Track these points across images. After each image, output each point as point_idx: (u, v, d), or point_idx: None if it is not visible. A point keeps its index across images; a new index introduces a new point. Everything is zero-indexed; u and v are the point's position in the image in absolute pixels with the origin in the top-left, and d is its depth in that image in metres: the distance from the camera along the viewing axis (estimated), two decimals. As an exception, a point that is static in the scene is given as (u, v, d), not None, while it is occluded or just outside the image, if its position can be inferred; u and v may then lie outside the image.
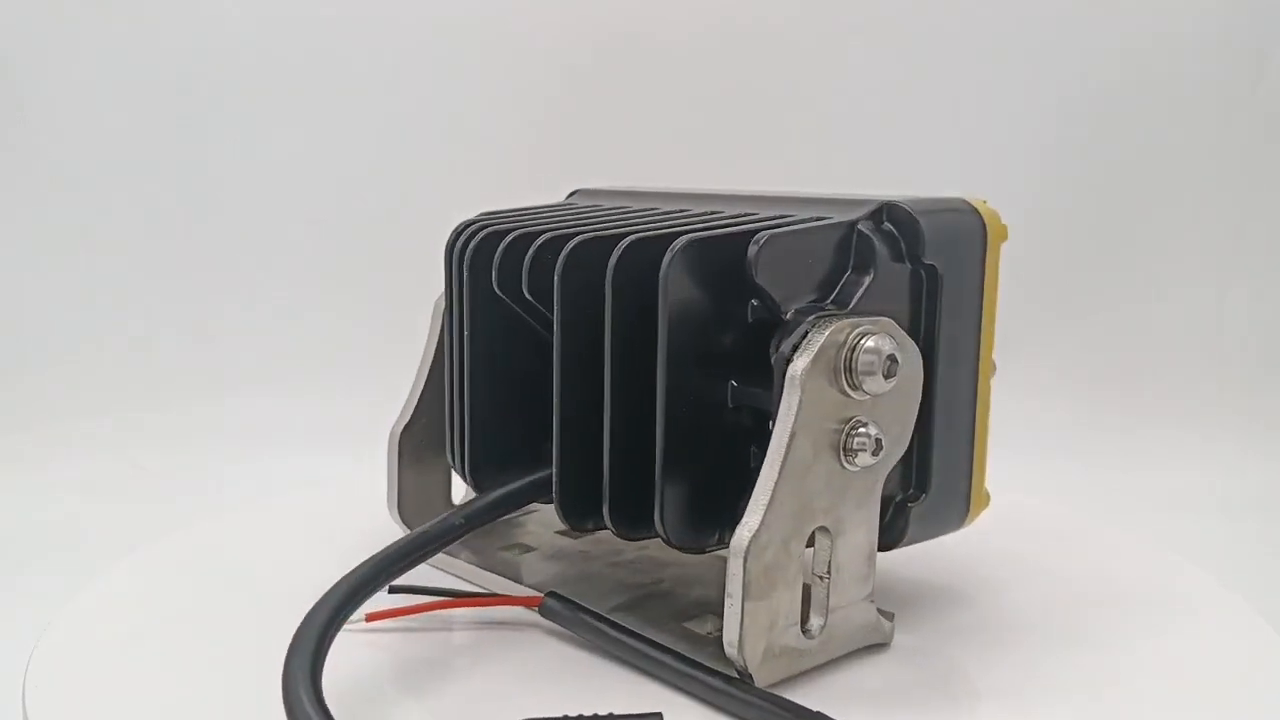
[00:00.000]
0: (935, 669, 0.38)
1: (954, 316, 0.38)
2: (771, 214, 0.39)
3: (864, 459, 0.35)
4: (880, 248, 0.37)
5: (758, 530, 0.34)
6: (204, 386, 0.90)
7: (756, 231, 0.35)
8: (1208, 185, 0.98)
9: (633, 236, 0.36)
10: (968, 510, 0.40)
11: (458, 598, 0.41)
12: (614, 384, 0.36)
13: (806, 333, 0.35)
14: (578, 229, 0.38)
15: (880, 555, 0.38)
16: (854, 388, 0.35)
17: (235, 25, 0.98)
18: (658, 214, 0.42)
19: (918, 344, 0.37)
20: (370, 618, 0.39)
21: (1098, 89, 0.99)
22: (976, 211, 0.39)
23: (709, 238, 0.35)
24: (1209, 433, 0.83)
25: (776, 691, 0.35)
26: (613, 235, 0.36)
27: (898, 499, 0.39)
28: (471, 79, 1.00)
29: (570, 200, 0.49)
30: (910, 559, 0.47)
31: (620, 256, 0.35)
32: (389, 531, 0.46)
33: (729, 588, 0.34)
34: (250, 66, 0.99)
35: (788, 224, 0.37)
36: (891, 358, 0.35)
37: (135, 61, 0.97)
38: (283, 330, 0.95)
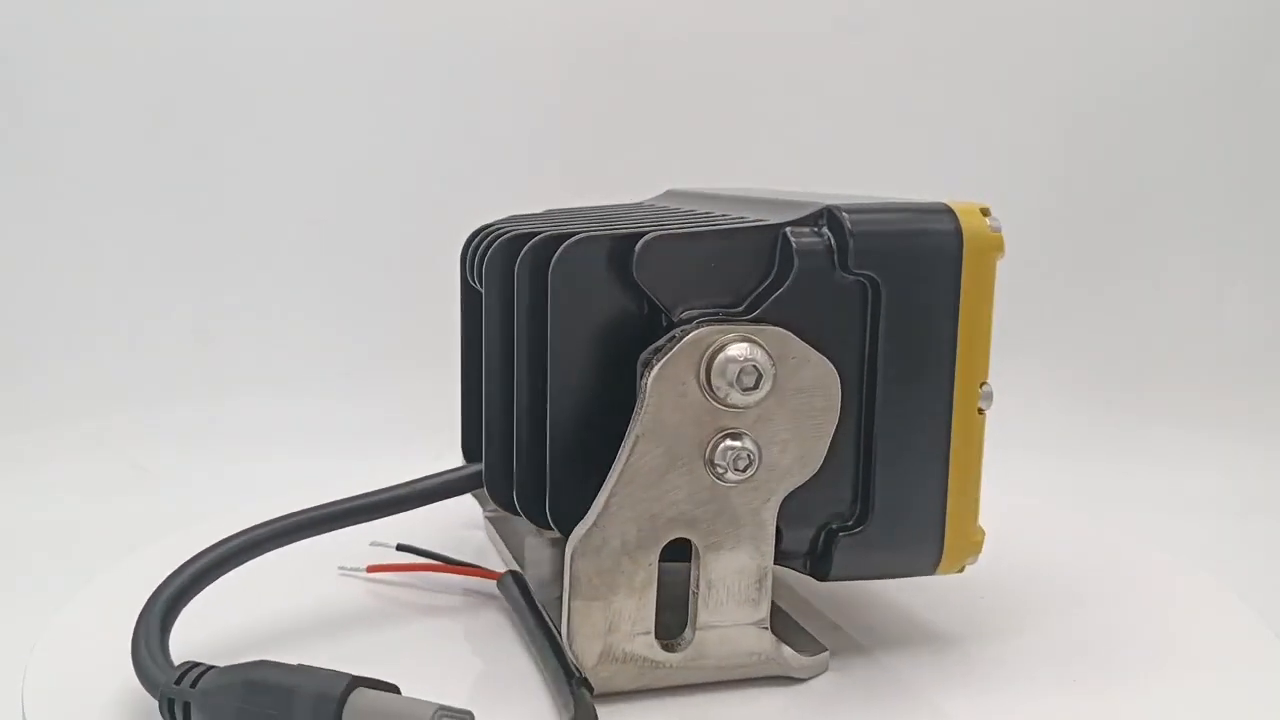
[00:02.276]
0: (891, 682, 0.38)
1: (905, 334, 0.36)
2: (737, 215, 0.38)
3: (734, 474, 0.34)
4: (803, 255, 0.35)
5: (588, 531, 0.34)
6: (204, 387, 0.90)
7: (645, 233, 0.34)
8: (1208, 185, 0.98)
9: (546, 234, 0.36)
10: (940, 553, 0.37)
11: (447, 564, 0.46)
12: (519, 379, 0.37)
13: (675, 336, 0.34)
14: (558, 229, 0.37)
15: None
16: (715, 397, 0.34)
17: (237, 25, 0.98)
18: (651, 213, 0.42)
19: (855, 361, 0.35)
20: (370, 569, 0.46)
21: (1098, 89, 0.99)
22: (952, 221, 0.36)
23: (600, 238, 0.35)
24: (1209, 433, 0.83)
25: (638, 701, 0.35)
26: (559, 235, 0.36)
27: (831, 527, 0.36)
28: (478, 79, 1.00)
29: (654, 200, 0.50)
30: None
31: (524, 255, 0.36)
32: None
33: (564, 583, 0.34)
34: (251, 66, 0.99)
35: (693, 225, 0.36)
36: (753, 369, 0.33)
37: (136, 61, 0.97)
38: (284, 331, 0.95)
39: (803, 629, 0.39)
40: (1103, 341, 0.96)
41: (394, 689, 0.31)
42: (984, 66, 1.00)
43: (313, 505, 0.42)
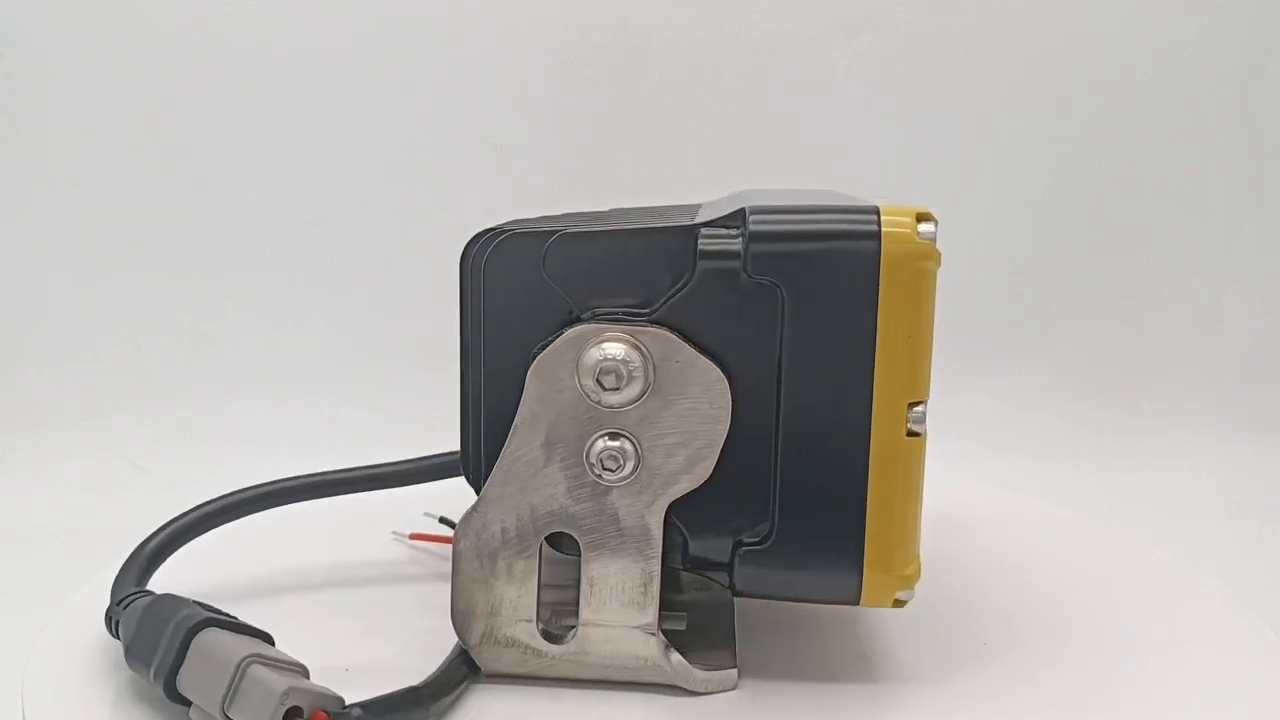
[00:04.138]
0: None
1: (813, 345, 0.33)
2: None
3: (609, 474, 0.34)
4: (706, 257, 0.33)
5: (470, 514, 0.35)
6: (205, 387, 0.90)
7: (555, 232, 0.34)
8: (1208, 185, 0.98)
9: (517, 231, 0.36)
10: (859, 583, 0.34)
11: None
12: (467, 369, 0.37)
13: (561, 332, 0.34)
14: (531, 228, 0.38)
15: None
16: (588, 395, 0.34)
17: (237, 27, 0.98)
18: (646, 214, 0.42)
19: (763, 370, 0.34)
20: (412, 536, 0.48)
21: (1098, 89, 0.99)
22: (869, 226, 0.33)
23: (529, 235, 0.35)
24: (1209, 433, 0.83)
25: (522, 687, 0.36)
26: (515, 233, 0.36)
27: (741, 540, 0.35)
28: (479, 79, 1.00)
29: (721, 198, 0.50)
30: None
31: (480, 249, 0.36)
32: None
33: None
34: (251, 66, 0.98)
35: (620, 224, 0.36)
36: (617, 368, 0.33)
37: (136, 61, 0.97)
38: (284, 331, 0.95)
39: (727, 645, 0.38)
40: (1103, 343, 0.96)
41: (267, 638, 0.34)
42: (984, 66, 1.00)
43: (337, 468, 0.45)
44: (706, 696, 0.35)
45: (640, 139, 1.00)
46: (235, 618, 0.34)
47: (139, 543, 0.40)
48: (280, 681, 0.30)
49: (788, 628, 0.40)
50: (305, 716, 0.30)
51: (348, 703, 0.31)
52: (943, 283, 0.36)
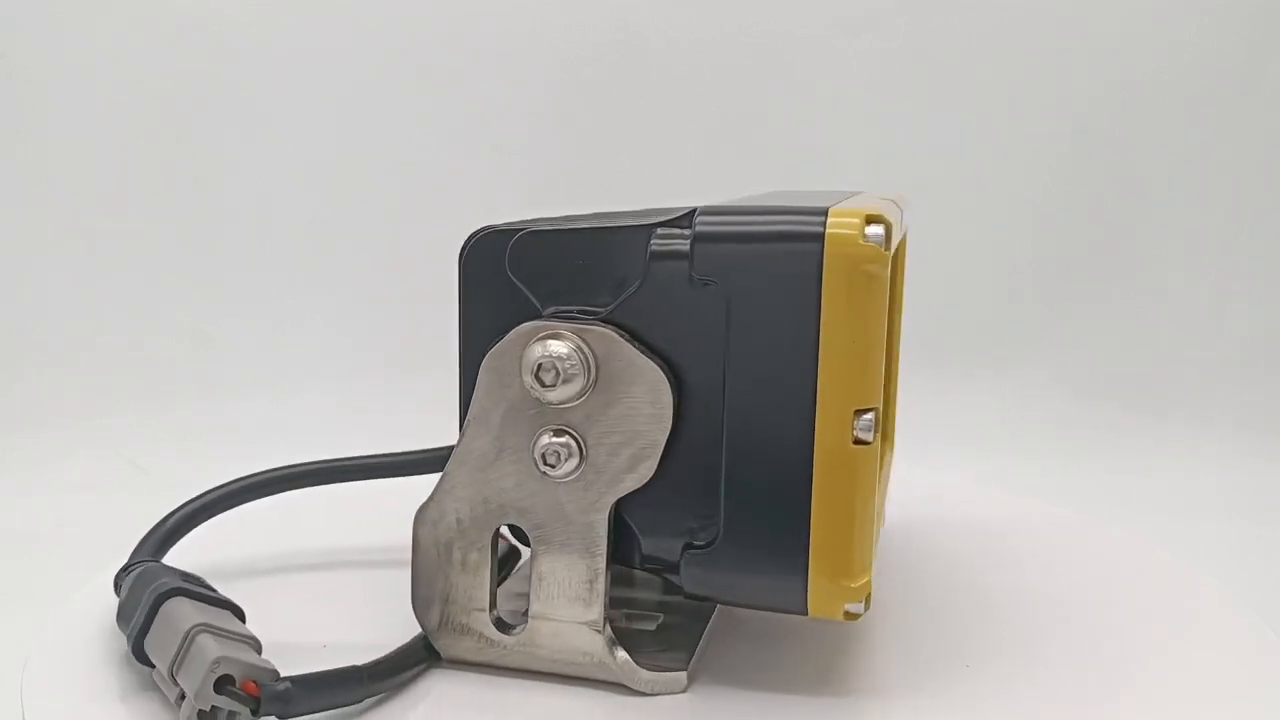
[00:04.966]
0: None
1: (755, 348, 0.33)
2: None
3: (556, 471, 0.34)
4: (655, 257, 0.34)
5: (428, 502, 0.36)
6: (205, 387, 0.90)
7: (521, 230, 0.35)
8: (1208, 185, 0.98)
9: (494, 228, 0.36)
10: (804, 592, 0.33)
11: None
12: (459, 362, 0.38)
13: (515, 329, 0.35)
14: (520, 226, 0.38)
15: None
16: (530, 391, 0.34)
17: (237, 28, 0.98)
18: (642, 215, 0.42)
19: (710, 372, 0.33)
20: None
21: (1098, 89, 0.99)
22: (813, 228, 0.32)
23: (505, 232, 0.35)
24: (1209, 433, 0.83)
25: (478, 674, 0.36)
26: (507, 230, 0.37)
27: (689, 541, 0.35)
28: (480, 80, 1.00)
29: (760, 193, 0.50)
30: (905, 545, 0.47)
31: (465, 245, 0.37)
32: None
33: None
34: (252, 66, 0.99)
35: (591, 222, 0.36)
36: (551, 365, 0.33)
37: (137, 61, 0.97)
38: (285, 331, 0.95)
39: (687, 648, 0.38)
40: (1103, 343, 0.96)
41: (237, 611, 0.36)
42: (984, 65, 1.00)
43: (363, 454, 0.46)
44: (654, 698, 0.35)
45: (640, 139, 1.00)
46: (213, 591, 0.36)
47: (160, 518, 0.42)
48: (215, 650, 0.31)
49: (773, 635, 0.40)
50: (237, 685, 0.31)
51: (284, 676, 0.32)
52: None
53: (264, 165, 0.99)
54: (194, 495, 0.43)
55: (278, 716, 0.32)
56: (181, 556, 0.40)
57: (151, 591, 0.35)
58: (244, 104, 0.99)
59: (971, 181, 0.97)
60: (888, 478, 0.45)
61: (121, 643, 0.36)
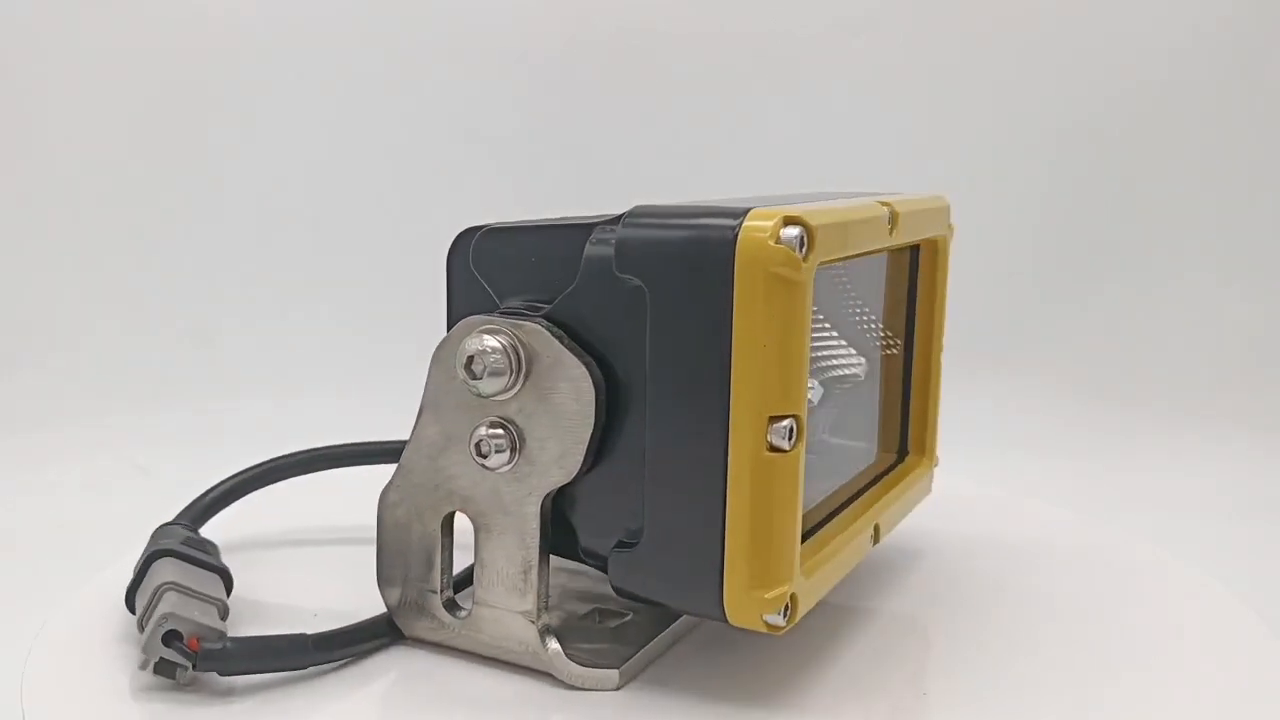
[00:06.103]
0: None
1: (671, 350, 0.32)
2: None
3: (491, 462, 0.35)
4: (589, 257, 0.34)
5: (389, 487, 0.38)
6: (205, 387, 0.90)
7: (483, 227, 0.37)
8: (1209, 184, 0.98)
9: (494, 225, 0.38)
10: (719, 598, 0.33)
11: None
12: None
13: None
14: (508, 224, 0.40)
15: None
16: (466, 383, 0.35)
17: (237, 26, 0.98)
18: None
19: (636, 371, 0.33)
20: None
21: (1098, 90, 0.99)
22: (726, 230, 0.31)
23: (475, 229, 0.37)
24: (1209, 433, 0.83)
25: (432, 652, 0.38)
26: (478, 228, 0.39)
27: (619, 538, 0.35)
28: (481, 80, 1.00)
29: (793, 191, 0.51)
30: (906, 547, 0.47)
31: (453, 242, 0.39)
32: None
33: None
34: (252, 66, 0.99)
35: (550, 221, 0.37)
36: (481, 359, 0.34)
37: (137, 61, 0.97)
38: (285, 331, 0.95)
39: (628, 646, 0.38)
40: (1104, 343, 0.96)
41: (224, 575, 0.39)
42: (984, 64, 1.00)
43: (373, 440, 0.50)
44: (585, 692, 0.36)
45: (640, 139, 1.00)
46: (211, 557, 0.40)
47: (201, 492, 0.46)
48: (168, 606, 0.35)
49: (751, 642, 0.40)
50: (184, 641, 0.34)
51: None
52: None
53: (264, 165, 0.99)
54: (244, 468, 0.47)
55: (218, 673, 0.35)
56: (220, 528, 0.44)
57: (149, 550, 0.39)
58: (244, 104, 0.99)
59: (971, 181, 0.97)
60: (909, 490, 0.44)
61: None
